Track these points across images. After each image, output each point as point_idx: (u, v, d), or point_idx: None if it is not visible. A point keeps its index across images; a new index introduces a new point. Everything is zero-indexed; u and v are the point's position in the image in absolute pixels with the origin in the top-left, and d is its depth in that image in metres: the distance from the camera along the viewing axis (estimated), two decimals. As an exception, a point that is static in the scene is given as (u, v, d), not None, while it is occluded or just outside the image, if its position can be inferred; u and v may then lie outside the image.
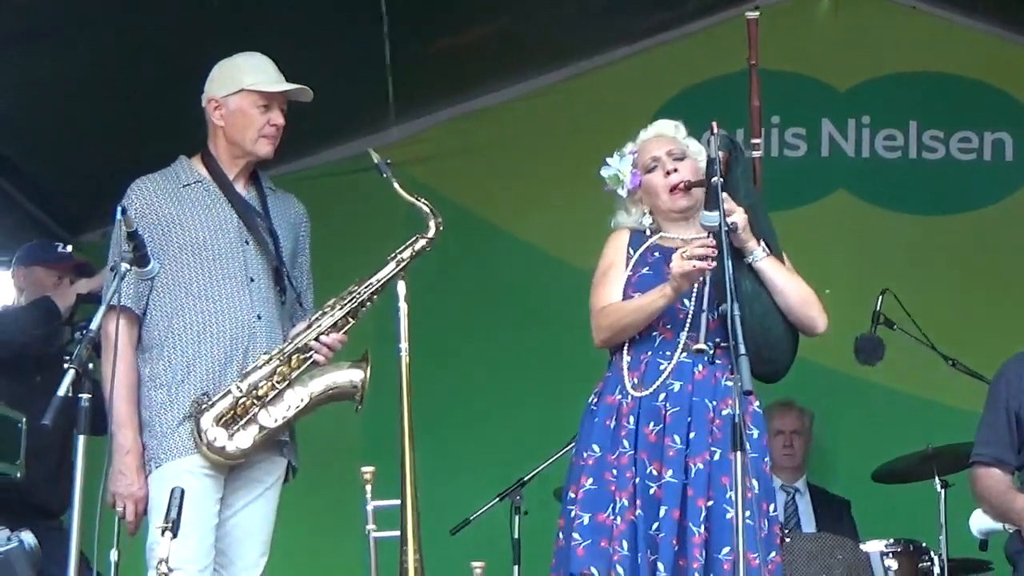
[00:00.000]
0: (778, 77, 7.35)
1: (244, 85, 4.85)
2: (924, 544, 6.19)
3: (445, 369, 7.17)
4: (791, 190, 7.38)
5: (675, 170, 4.86)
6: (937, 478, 6.22)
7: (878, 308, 6.64)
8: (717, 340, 4.52)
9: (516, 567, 6.32)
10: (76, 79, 6.10)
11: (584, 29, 7.48)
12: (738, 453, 4.25)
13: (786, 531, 6.16)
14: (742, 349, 4.26)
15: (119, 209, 4.51)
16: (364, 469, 4.71)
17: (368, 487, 4.70)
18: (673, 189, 4.84)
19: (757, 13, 5.18)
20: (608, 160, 4.99)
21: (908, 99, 7.65)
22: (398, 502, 4.62)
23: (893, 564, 6.08)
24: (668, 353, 4.72)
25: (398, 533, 4.62)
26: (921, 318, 6.65)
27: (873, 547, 6.19)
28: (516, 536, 6.32)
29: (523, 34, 7.30)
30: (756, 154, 5.05)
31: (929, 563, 6.09)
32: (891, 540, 6.24)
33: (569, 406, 5.05)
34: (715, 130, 4.66)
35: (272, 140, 4.88)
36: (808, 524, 6.94)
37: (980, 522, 5.60)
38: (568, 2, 7.17)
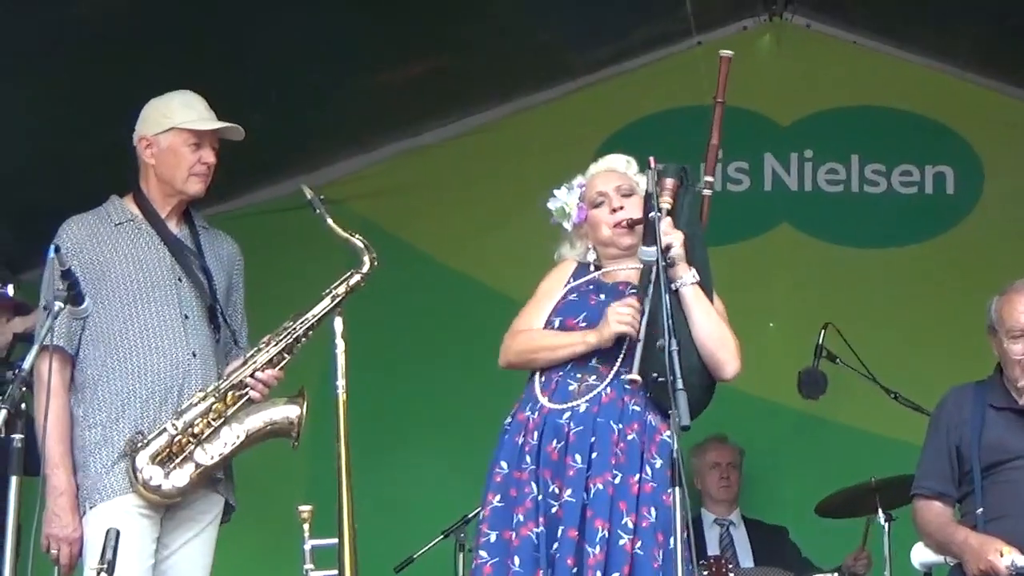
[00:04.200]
0: (721, 112, 7.40)
1: (175, 123, 4.85)
2: (868, 577, 6.21)
3: (387, 405, 7.15)
4: (734, 224, 7.38)
5: (621, 207, 4.84)
6: (880, 511, 6.22)
7: (821, 342, 6.67)
8: (655, 375, 4.51)
9: (460, 605, 6.30)
10: (14, 115, 6.06)
11: (526, 65, 7.49)
12: (676, 489, 4.25)
13: (729, 565, 6.15)
14: (680, 384, 4.26)
15: (52, 248, 4.48)
16: (301, 508, 4.68)
17: (306, 526, 4.67)
18: (617, 225, 4.83)
19: (731, 53, 5.20)
20: (555, 192, 4.98)
21: (850, 133, 7.67)
22: (336, 541, 4.59)
23: (837, 598, 6.09)
24: (578, 375, 4.70)
25: (336, 572, 4.59)
26: (863, 352, 6.68)
27: (816, 581, 6.22)
28: (460, 574, 6.29)
29: (465, 70, 7.30)
30: (707, 192, 5.02)
31: (873, 597, 6.10)
32: (834, 574, 6.26)
33: (512, 442, 5.00)
34: (652, 165, 4.69)
35: (203, 178, 4.87)
36: (744, 556, 6.94)
37: (922, 555, 5.59)
38: (510, 38, 7.17)
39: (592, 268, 4.90)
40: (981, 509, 5.09)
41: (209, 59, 6.08)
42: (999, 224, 7.53)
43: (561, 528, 4.55)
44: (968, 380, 5.35)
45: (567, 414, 4.65)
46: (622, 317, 4.62)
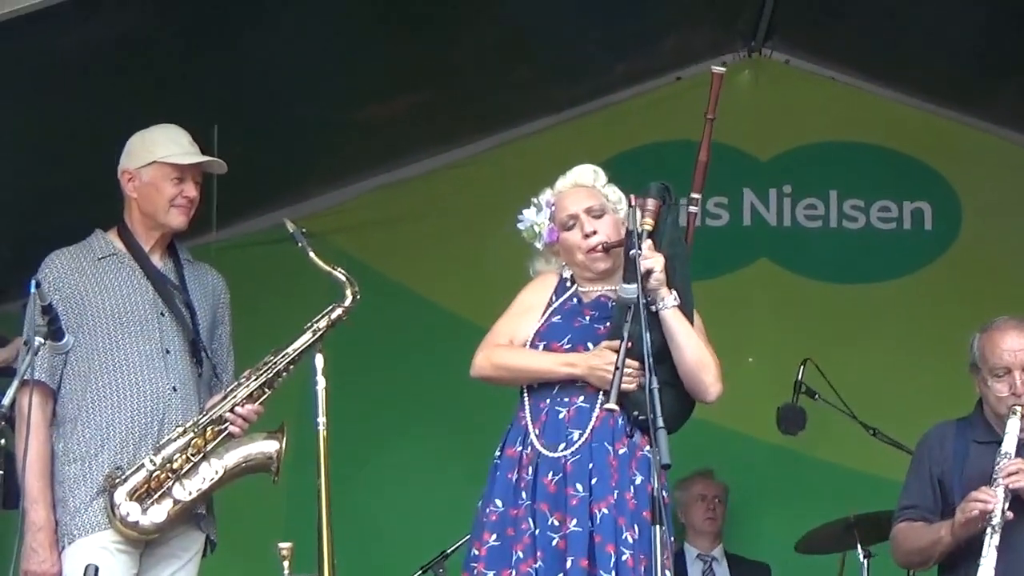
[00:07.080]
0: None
1: (157, 157, 4.85)
2: (848, 615, 6.20)
3: (366, 441, 7.13)
4: (713, 259, 7.40)
5: (595, 232, 4.78)
6: (860, 547, 6.22)
7: (800, 378, 6.68)
8: (635, 413, 4.53)
9: (440, 641, 6.28)
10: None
11: (509, 99, 7.50)
12: (657, 527, 4.25)
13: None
14: (660, 422, 4.24)
15: (33, 283, 4.46)
16: (282, 545, 4.66)
17: (286, 563, 4.65)
18: (591, 250, 4.78)
19: (723, 68, 5.18)
20: (524, 212, 4.92)
21: (829, 169, 7.72)
22: (316, 577, 4.59)
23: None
24: (566, 399, 4.67)
25: (316, 609, 4.58)
26: (842, 388, 6.69)
27: (796, 618, 6.21)
28: (439, 608, 6.28)
29: (448, 105, 7.31)
30: (693, 209, 4.99)
31: (853, 634, 6.09)
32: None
33: (493, 476, 5.00)
34: (632, 202, 4.66)
35: (185, 211, 4.87)
36: (725, 593, 6.96)
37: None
38: (493, 73, 7.19)
39: (568, 284, 4.85)
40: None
41: (194, 92, 6.08)
42: (978, 260, 7.57)
43: (570, 559, 4.51)
44: (948, 416, 5.34)
45: (561, 445, 4.62)
46: (603, 373, 4.58)
